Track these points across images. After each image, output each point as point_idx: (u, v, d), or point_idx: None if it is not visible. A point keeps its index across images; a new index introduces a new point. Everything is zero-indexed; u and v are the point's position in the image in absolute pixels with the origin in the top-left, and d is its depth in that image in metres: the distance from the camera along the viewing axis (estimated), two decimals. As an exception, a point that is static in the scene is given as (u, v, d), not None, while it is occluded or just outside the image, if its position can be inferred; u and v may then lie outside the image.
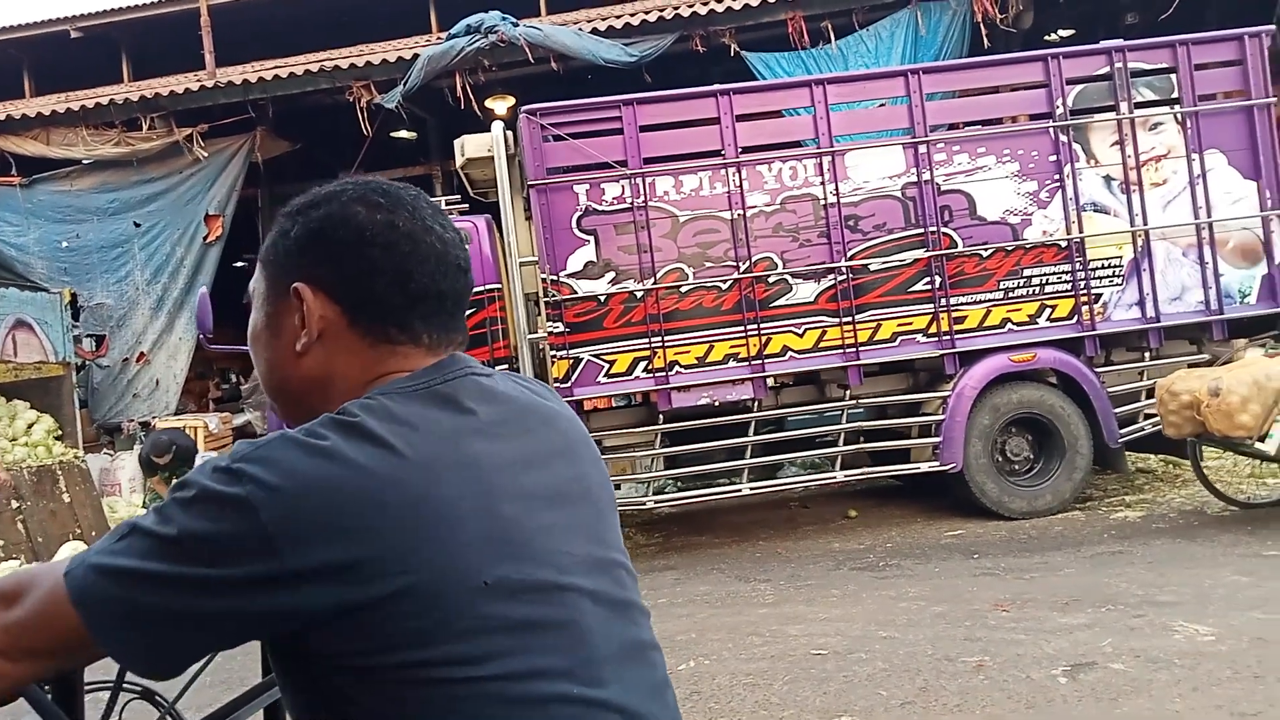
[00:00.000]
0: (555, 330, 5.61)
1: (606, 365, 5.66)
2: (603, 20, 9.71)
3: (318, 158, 10.47)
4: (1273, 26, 5.97)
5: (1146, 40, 6.00)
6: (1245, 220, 5.72)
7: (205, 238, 9.87)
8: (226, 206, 9.91)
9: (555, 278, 5.60)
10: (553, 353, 5.63)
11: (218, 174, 9.90)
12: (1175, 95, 5.78)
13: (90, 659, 0.80)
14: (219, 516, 0.73)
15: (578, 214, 5.63)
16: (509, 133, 5.87)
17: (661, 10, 9.44)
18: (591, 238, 5.65)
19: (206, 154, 9.71)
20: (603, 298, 5.64)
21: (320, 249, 0.88)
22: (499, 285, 6.19)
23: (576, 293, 5.62)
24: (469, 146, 5.90)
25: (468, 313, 0.95)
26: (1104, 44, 5.89)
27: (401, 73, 9.41)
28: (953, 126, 6.20)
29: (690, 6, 9.38)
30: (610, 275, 5.65)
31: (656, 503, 6.05)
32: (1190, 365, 5.67)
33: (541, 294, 5.69)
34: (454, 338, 0.92)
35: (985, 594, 4.29)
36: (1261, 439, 4.78)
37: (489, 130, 5.83)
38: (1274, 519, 5.19)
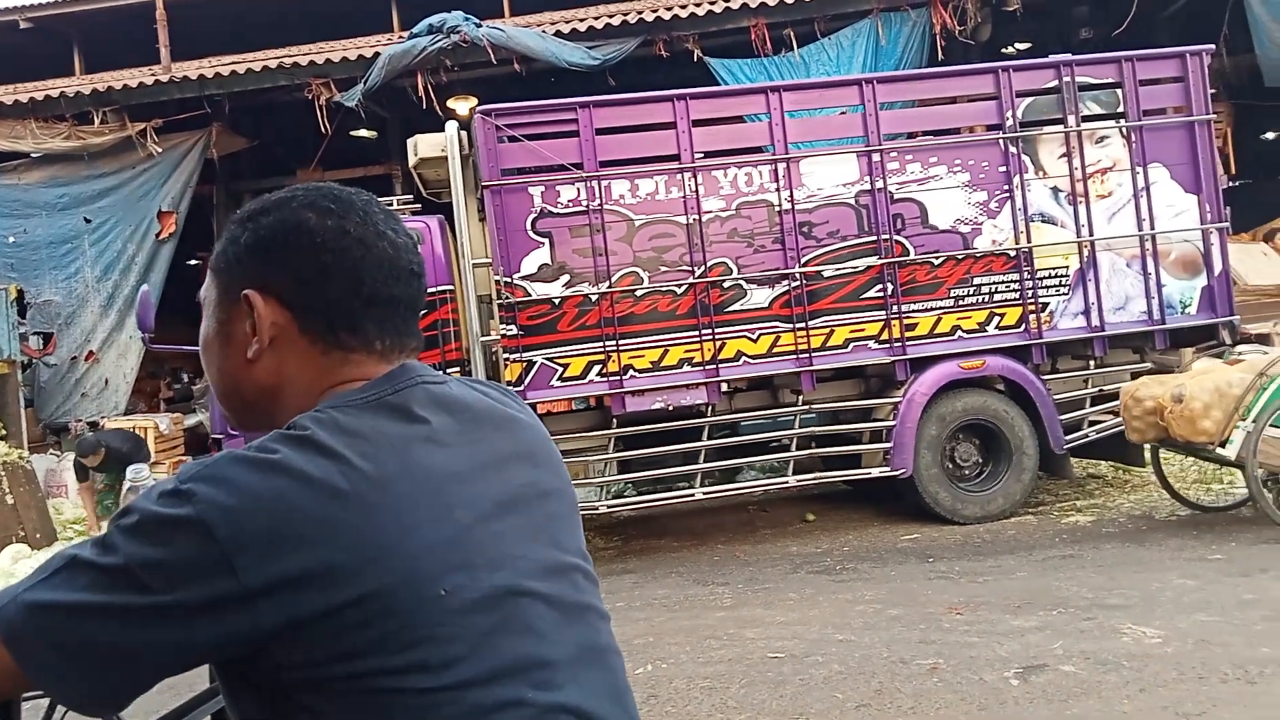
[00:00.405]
0: (508, 333, 5.53)
1: (560, 369, 5.59)
2: (566, 23, 9.66)
3: (275, 155, 10.30)
4: (1212, 46, 6.10)
5: (1094, 55, 6.10)
6: (1186, 233, 5.83)
7: (158, 234, 9.64)
8: (180, 203, 9.68)
9: (509, 280, 5.52)
10: (506, 355, 5.55)
11: (172, 170, 9.67)
12: (1121, 110, 5.87)
13: (27, 689, 0.76)
14: (169, 540, 0.71)
15: (532, 216, 5.56)
16: (463, 133, 5.79)
17: (625, 14, 9.42)
18: (546, 240, 5.58)
19: (160, 149, 9.48)
20: (557, 300, 5.57)
21: (271, 255, 0.87)
22: (451, 287, 6.10)
23: (530, 295, 5.55)
24: (422, 146, 5.80)
25: (420, 315, 0.94)
26: (1053, 58, 5.97)
27: (362, 71, 9.27)
28: (910, 135, 6.25)
29: (654, 11, 9.37)
30: (565, 278, 5.59)
31: (610, 507, 5.98)
32: (1133, 374, 5.76)
33: (495, 296, 5.61)
34: (407, 343, 0.91)
35: (940, 597, 4.33)
36: (1222, 444, 4.87)
37: (444, 130, 5.74)
38: (1218, 524, 5.31)
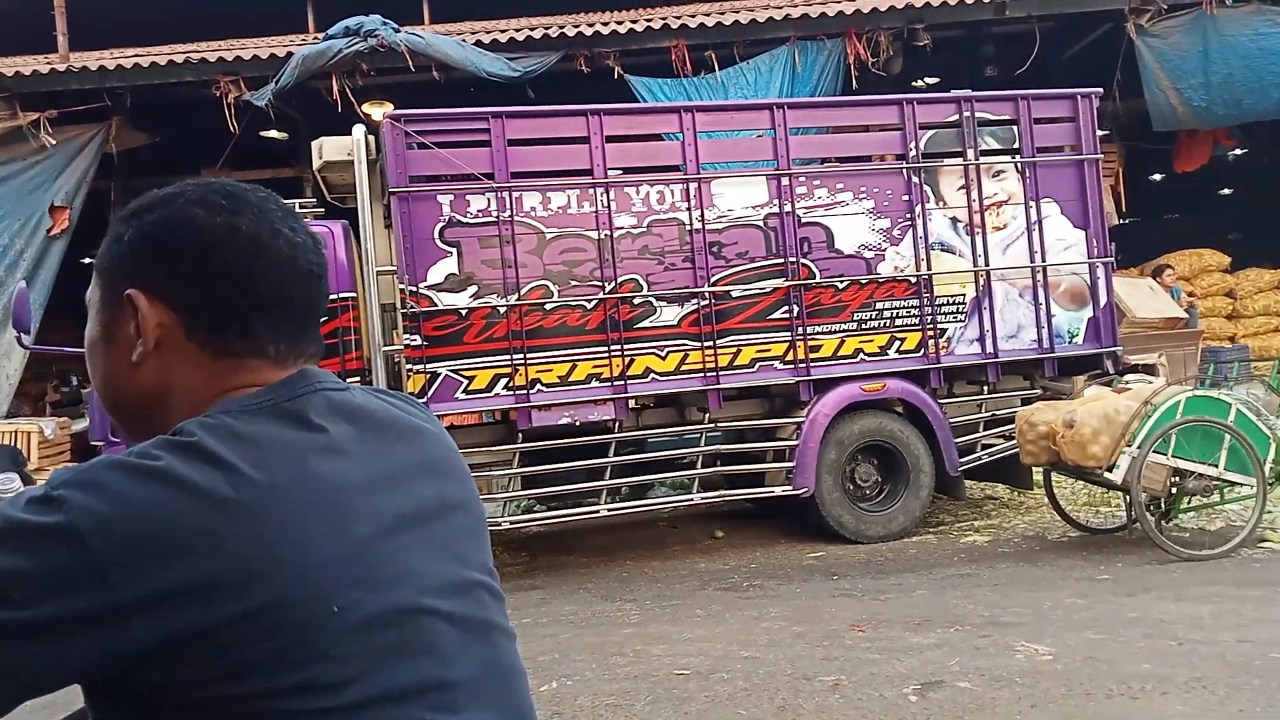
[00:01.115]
0: (412, 343, 5.36)
1: (465, 381, 5.44)
2: (487, 33, 9.54)
3: (179, 153, 9.83)
4: (1101, 90, 6.38)
5: (992, 93, 6.32)
6: (1075, 266, 6.06)
7: (49, 230, 9.05)
8: (75, 198, 9.13)
9: (414, 289, 5.35)
10: (408, 366, 5.37)
11: (66, 163, 9.11)
12: (1016, 145, 6.09)
13: None
14: (37, 550, 0.66)
15: (440, 225, 5.42)
16: (371, 137, 5.61)
17: (547, 28, 9.36)
18: (454, 250, 5.44)
19: (54, 141, 8.92)
20: (464, 312, 5.43)
21: (156, 254, 0.82)
22: (354, 294, 5.88)
23: (436, 305, 5.39)
24: (327, 149, 5.60)
25: (321, 319, 0.89)
26: (954, 93, 6.16)
27: (274, 70, 8.94)
28: (824, 161, 6.34)
29: (576, 27, 9.34)
30: (472, 289, 5.45)
31: (513, 523, 5.84)
32: (1023, 400, 5.94)
33: (399, 305, 5.43)
34: (305, 349, 0.87)
35: (843, 614, 4.37)
36: (1109, 469, 4.99)
37: (351, 133, 5.55)
38: (1107, 545, 5.47)
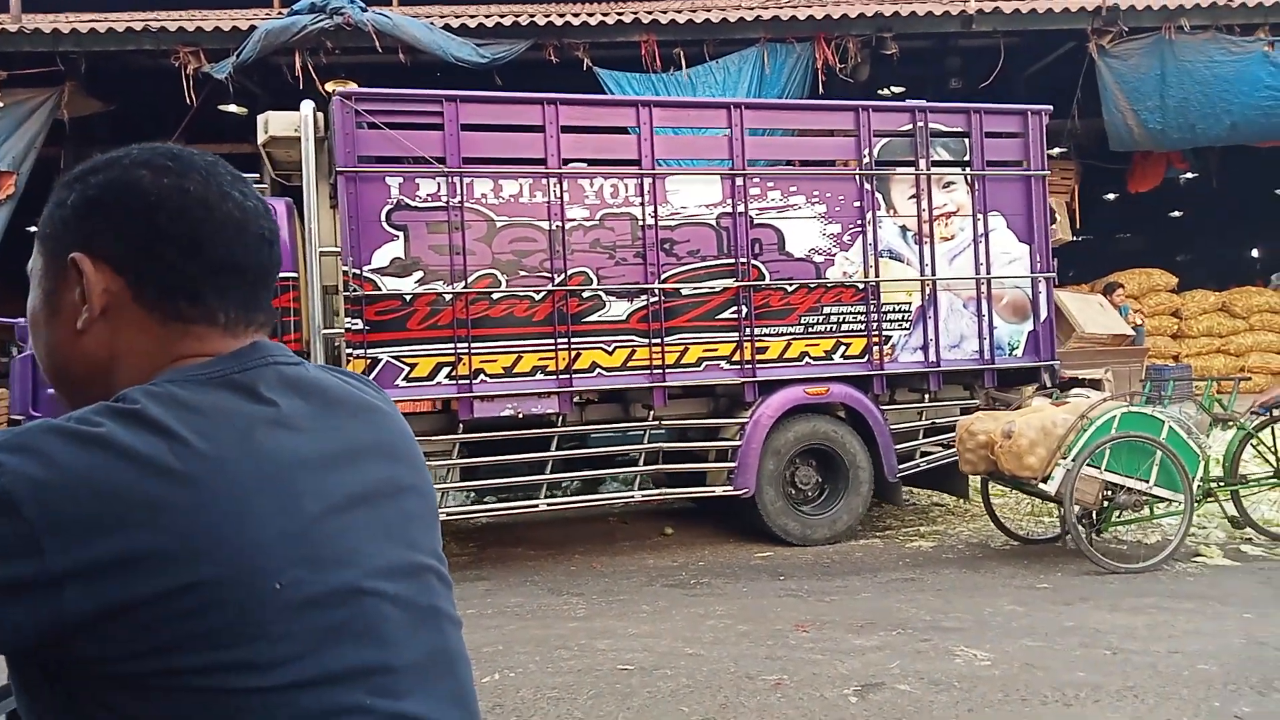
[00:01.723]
0: (353, 327, 5.22)
1: (407, 368, 5.32)
2: (456, 18, 9.39)
3: (134, 123, 9.50)
4: (1050, 107, 6.42)
5: (945, 105, 6.33)
6: (1018, 280, 6.10)
7: (-7, 195, 8.75)
8: (22, 164, 8.82)
9: (358, 272, 5.22)
10: (348, 351, 5.24)
11: (14, 128, 8.81)
12: (967, 158, 6.10)
13: None
14: None
15: (388, 208, 5.28)
16: (320, 114, 5.45)
17: (517, 16, 9.23)
18: (401, 234, 5.31)
19: (2, 104, 8.63)
20: (408, 297, 5.30)
21: (101, 217, 0.79)
22: (295, 275, 5.73)
23: (380, 289, 5.26)
24: (274, 123, 5.43)
25: (272, 287, 0.86)
26: (909, 103, 6.15)
27: (235, 43, 8.71)
28: (789, 163, 6.30)
29: (546, 16, 9.22)
30: (418, 275, 5.33)
31: (450, 515, 5.74)
32: (963, 410, 5.97)
33: (341, 288, 5.29)
34: (256, 318, 0.83)
35: (788, 614, 4.38)
36: (1044, 480, 5.03)
37: (300, 109, 5.40)
38: (1047, 554, 5.54)
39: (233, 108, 10.02)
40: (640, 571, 5.42)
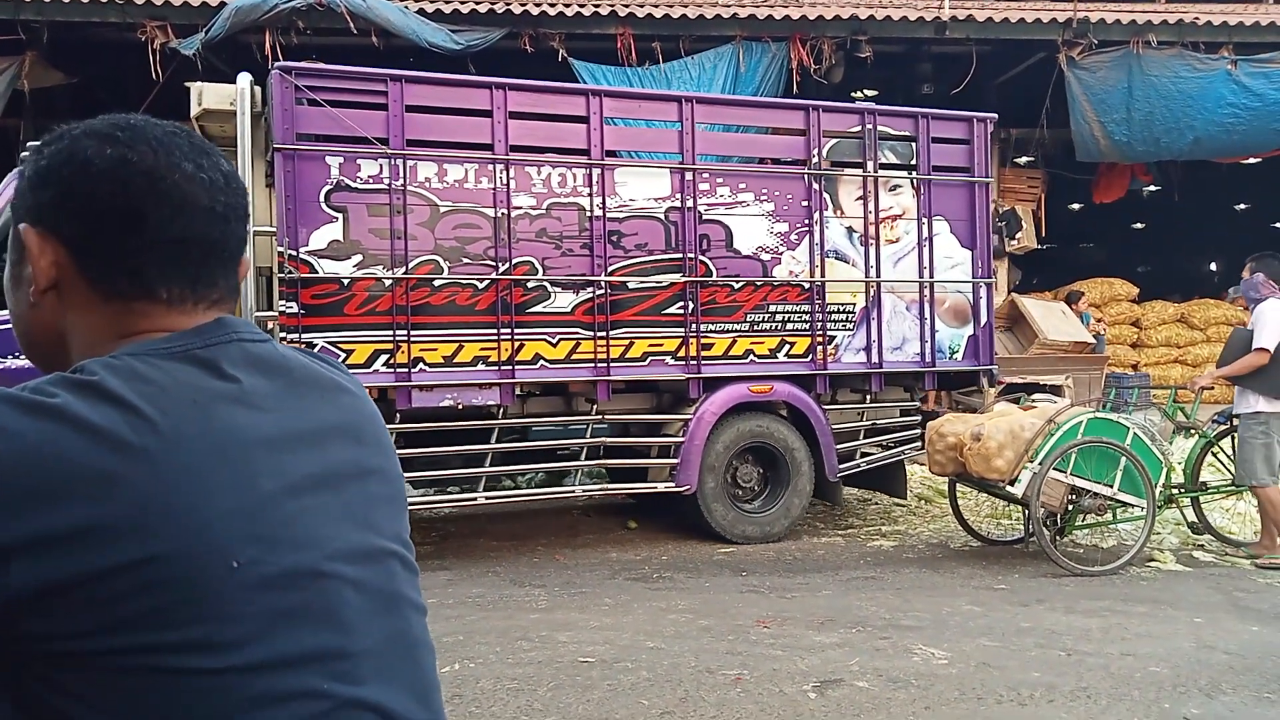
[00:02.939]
0: (288, 310, 5.01)
1: (343, 355, 5.11)
2: (431, 2, 9.15)
3: (97, 96, 9.23)
4: (995, 115, 6.31)
5: (893, 108, 6.21)
6: (960, 284, 6.00)
7: (-52, 163, 8.48)
8: (-21, 133, 8.57)
9: (294, 254, 5.00)
10: (282, 334, 5.02)
11: (-29, 96, 8.53)
12: (914, 162, 5.97)
13: None
14: None
15: (327, 188, 5.07)
16: (258, 88, 5.24)
17: (493, 3, 9.02)
18: (340, 215, 5.09)
19: (-40, 71, 8.35)
20: (346, 281, 5.09)
21: (47, 188, 0.76)
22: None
23: (317, 272, 5.05)
24: (208, 95, 5.19)
25: (231, 262, 0.81)
26: (858, 104, 6.02)
27: (205, 19, 8.44)
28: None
29: (522, 5, 9.02)
30: (357, 258, 5.12)
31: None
32: (901, 411, 5.86)
33: (276, 269, 5.09)
34: (208, 294, 0.79)
35: (749, 610, 4.35)
36: (1011, 483, 5.01)
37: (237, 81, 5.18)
38: (1005, 556, 5.50)
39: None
40: (603, 564, 5.34)
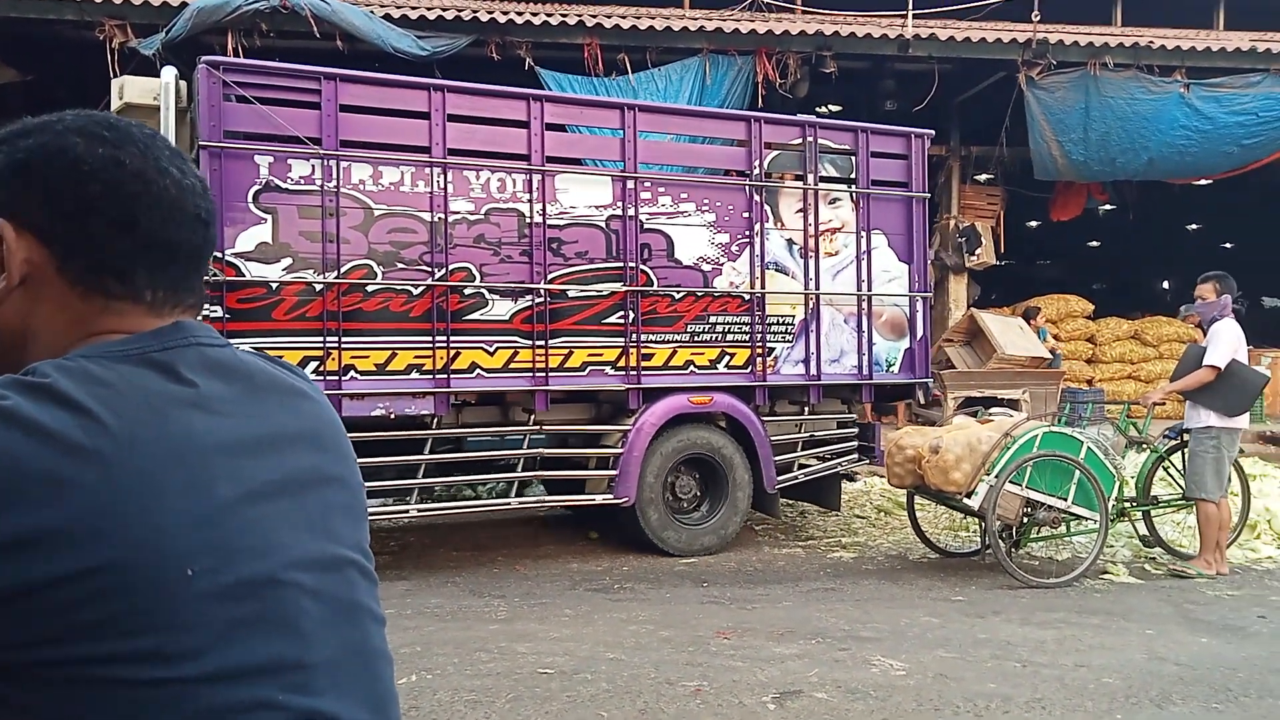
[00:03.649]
0: (212, 315, 4.77)
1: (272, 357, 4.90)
2: (397, 8, 8.98)
3: (52, 95, 8.95)
4: (932, 131, 6.24)
5: (833, 122, 6.15)
6: (897, 298, 5.90)
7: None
8: (-73, 127, 8.26)
9: (219, 255, 4.79)
10: (205, 337, 4.81)
11: (-77, 91, 8.25)
12: (853, 175, 5.87)
13: None
14: None
15: (256, 188, 4.85)
16: (183, 83, 5.02)
17: (460, 10, 8.85)
18: (269, 217, 4.88)
19: (-92, 65, 8.09)
20: (275, 285, 4.87)
21: (27, 183, 0.72)
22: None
23: (244, 275, 4.83)
24: (130, 89, 4.97)
25: (204, 268, 0.78)
26: (799, 117, 5.92)
27: (166, 19, 8.22)
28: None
29: (489, 12, 8.85)
30: (287, 261, 4.90)
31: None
32: (839, 423, 5.74)
33: (203, 269, 4.86)
34: (184, 299, 0.77)
35: (710, 621, 4.31)
36: (969, 495, 5.00)
37: (161, 75, 4.96)
38: (962, 568, 5.47)
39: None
40: (564, 575, 5.24)
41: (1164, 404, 5.65)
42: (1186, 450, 5.43)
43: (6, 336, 0.74)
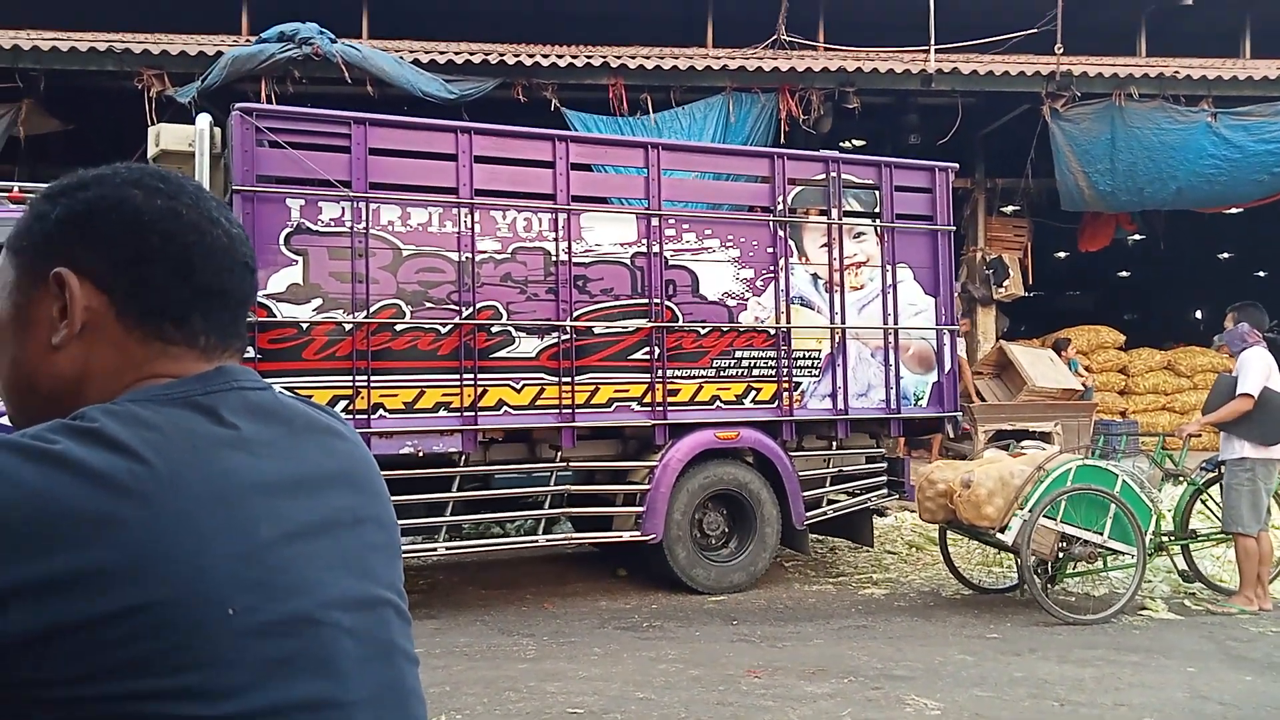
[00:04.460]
0: (245, 356, 4.84)
1: (308, 399, 4.93)
2: (425, 53, 9.17)
3: (92, 144, 9.25)
4: (957, 165, 6.22)
5: (857, 156, 6.15)
6: (924, 331, 5.83)
7: (-52, 206, 8.45)
8: (-24, 178, 8.54)
9: (252, 296, 4.86)
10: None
11: (-31, 143, 8.53)
12: (877, 210, 5.84)
13: None
14: None
15: (287, 230, 4.92)
16: (218, 130, 5.14)
17: (486, 54, 9.03)
18: (300, 258, 4.94)
19: (-42, 118, 8.37)
20: (305, 325, 4.91)
21: (88, 232, 0.75)
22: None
23: (275, 316, 4.88)
24: (166, 137, 5.10)
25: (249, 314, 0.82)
26: (822, 153, 5.92)
27: (202, 68, 8.46)
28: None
29: (515, 56, 9.03)
30: (317, 302, 4.96)
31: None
32: (868, 458, 5.64)
33: (248, 315, 4.92)
34: (233, 344, 0.81)
35: (740, 659, 4.24)
36: (1002, 530, 4.91)
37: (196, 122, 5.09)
38: (996, 604, 5.38)
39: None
40: (592, 613, 5.18)
41: (1199, 435, 5.50)
42: (1223, 482, 5.29)
43: (65, 382, 0.76)
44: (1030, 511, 4.79)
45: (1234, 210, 10.86)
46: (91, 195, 0.77)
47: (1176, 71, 9.52)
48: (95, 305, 0.75)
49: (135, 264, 0.76)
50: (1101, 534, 4.86)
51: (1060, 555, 4.93)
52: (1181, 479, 5.59)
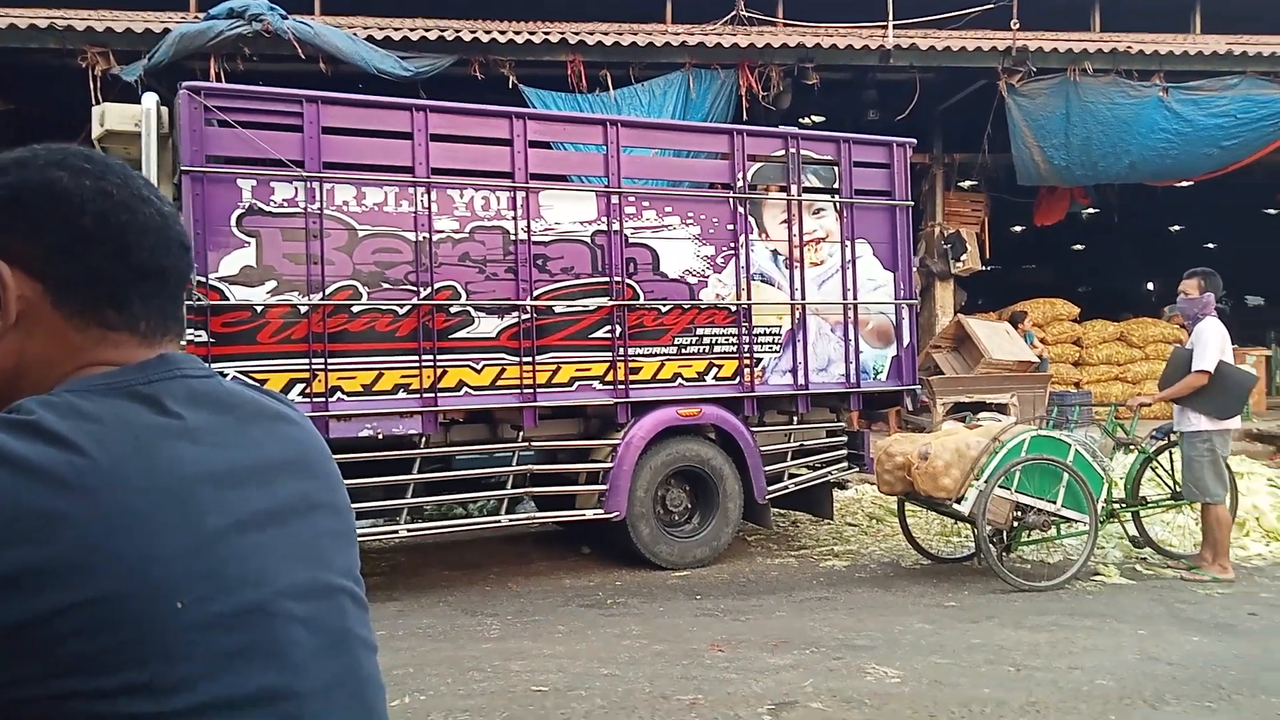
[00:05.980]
0: (197, 339, 4.70)
1: (257, 385, 4.83)
2: (380, 29, 8.94)
3: (34, 124, 8.91)
4: (914, 140, 6.23)
5: (815, 133, 6.13)
6: (883, 306, 5.87)
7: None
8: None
9: (203, 280, 4.72)
10: (189, 362, 4.73)
11: (-97, 122, 8.19)
12: (836, 185, 5.84)
13: None
14: None
15: (239, 212, 4.79)
16: (165, 109, 4.97)
17: (442, 30, 8.82)
18: (253, 240, 4.82)
19: (-110, 97, 8.02)
20: (259, 308, 4.80)
21: (16, 219, 0.72)
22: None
23: (228, 299, 4.76)
24: (111, 116, 4.91)
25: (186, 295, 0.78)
26: (781, 129, 5.89)
27: (148, 46, 8.16)
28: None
29: (472, 32, 8.83)
30: (271, 284, 4.84)
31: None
32: (828, 432, 5.69)
33: (185, 297, 4.79)
34: (171, 327, 0.78)
35: (704, 634, 4.26)
36: (958, 500, 4.97)
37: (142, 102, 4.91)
38: (955, 573, 5.43)
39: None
40: (556, 591, 5.17)
41: (1150, 405, 5.60)
42: (1177, 452, 5.37)
43: (2, 374, 0.73)
44: (986, 482, 4.86)
45: (1185, 183, 11.05)
46: (13, 180, 0.73)
47: (1129, 46, 9.63)
48: (29, 294, 0.72)
49: (69, 248, 0.72)
50: (1055, 502, 4.95)
51: (1015, 524, 5.02)
52: (1132, 447, 5.70)
